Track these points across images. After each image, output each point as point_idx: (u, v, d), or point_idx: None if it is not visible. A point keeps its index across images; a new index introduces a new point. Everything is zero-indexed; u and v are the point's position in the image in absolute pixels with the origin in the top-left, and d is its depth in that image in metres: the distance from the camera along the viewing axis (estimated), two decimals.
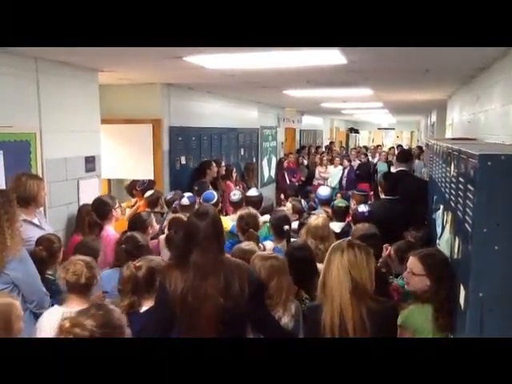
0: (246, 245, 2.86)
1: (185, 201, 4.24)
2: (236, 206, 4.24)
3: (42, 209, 3.52)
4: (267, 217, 3.84)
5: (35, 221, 3.13)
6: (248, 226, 3.33)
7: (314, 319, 2.06)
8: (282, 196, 4.74)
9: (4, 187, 3.21)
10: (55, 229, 3.42)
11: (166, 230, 3.80)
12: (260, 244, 3.24)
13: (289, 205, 4.27)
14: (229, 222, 3.91)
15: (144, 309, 2.32)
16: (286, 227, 3.34)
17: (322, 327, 1.99)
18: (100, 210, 3.69)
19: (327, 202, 4.52)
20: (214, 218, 2.13)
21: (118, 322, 1.60)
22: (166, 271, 2.14)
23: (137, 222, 3.52)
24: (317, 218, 3.30)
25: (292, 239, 3.38)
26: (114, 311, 1.62)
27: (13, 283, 2.44)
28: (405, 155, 5.21)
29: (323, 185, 8.49)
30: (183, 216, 3.63)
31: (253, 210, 3.53)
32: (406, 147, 14.46)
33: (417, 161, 9.57)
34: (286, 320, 2.31)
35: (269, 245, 3.31)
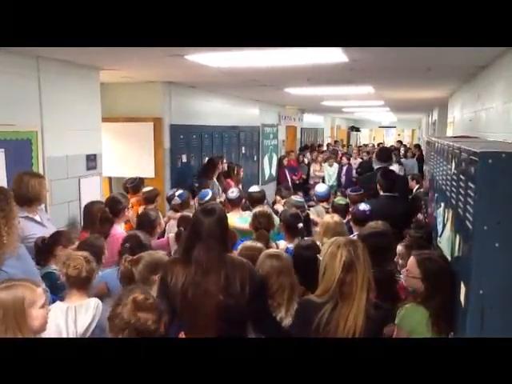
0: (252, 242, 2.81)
1: (176, 200, 4.29)
2: (234, 203, 4.13)
3: (43, 206, 3.53)
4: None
5: (37, 218, 3.14)
6: (261, 225, 3.21)
7: (306, 314, 1.97)
8: (278, 197, 4.71)
9: (6, 185, 3.21)
10: (56, 227, 3.42)
11: (167, 227, 3.82)
12: (273, 243, 3.18)
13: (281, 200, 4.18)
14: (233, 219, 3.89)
15: None
16: (300, 225, 3.24)
17: (314, 324, 1.90)
18: (113, 207, 3.69)
19: (325, 198, 4.72)
20: (219, 215, 2.12)
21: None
22: (168, 265, 2.15)
23: (144, 221, 3.50)
24: (332, 217, 3.28)
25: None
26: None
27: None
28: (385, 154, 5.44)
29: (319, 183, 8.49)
30: (191, 214, 3.61)
31: (267, 209, 3.41)
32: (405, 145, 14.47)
33: (403, 159, 9.65)
34: (287, 321, 2.24)
35: (282, 244, 3.22)
